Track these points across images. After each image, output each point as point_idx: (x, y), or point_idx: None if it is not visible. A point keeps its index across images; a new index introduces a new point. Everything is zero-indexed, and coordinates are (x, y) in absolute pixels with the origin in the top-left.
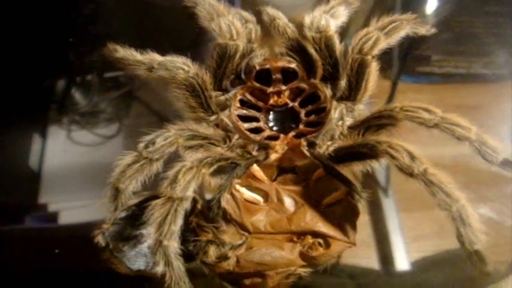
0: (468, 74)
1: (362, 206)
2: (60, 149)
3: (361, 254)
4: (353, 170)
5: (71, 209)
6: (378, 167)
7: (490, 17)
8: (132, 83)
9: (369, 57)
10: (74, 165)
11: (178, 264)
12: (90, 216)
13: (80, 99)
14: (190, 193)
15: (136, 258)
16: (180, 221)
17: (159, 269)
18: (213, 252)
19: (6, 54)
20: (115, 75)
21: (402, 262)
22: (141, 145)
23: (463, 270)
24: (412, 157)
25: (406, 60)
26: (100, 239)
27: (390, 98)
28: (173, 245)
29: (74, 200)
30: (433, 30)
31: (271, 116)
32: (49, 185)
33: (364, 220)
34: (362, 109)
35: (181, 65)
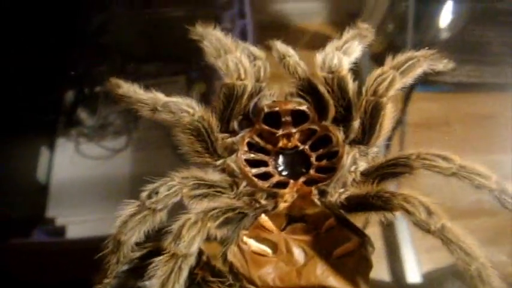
0: (480, 83)
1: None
2: (68, 162)
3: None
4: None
5: (79, 223)
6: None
7: (503, 26)
8: None
9: (384, 99)
10: (82, 179)
11: None
12: (99, 231)
13: (88, 111)
14: (195, 249)
15: None
16: (184, 278)
17: None
18: None
19: (13, 66)
20: None
21: (414, 274)
22: (144, 194)
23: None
24: (429, 212)
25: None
26: None
27: (403, 108)
28: None
29: (82, 214)
30: (451, 66)
31: (280, 160)
32: (57, 199)
33: (374, 231)
34: (376, 152)
35: (186, 108)
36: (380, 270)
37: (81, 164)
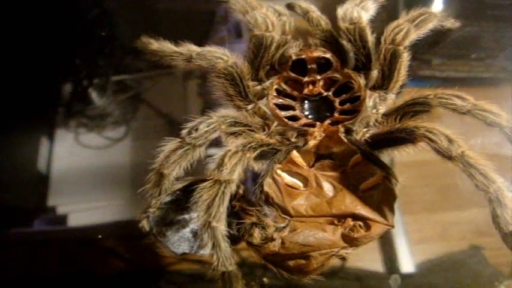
0: (469, 77)
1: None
2: (68, 152)
3: (366, 257)
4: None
5: (80, 212)
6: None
7: (490, 21)
8: (139, 86)
9: (401, 47)
10: (81, 168)
11: (225, 245)
12: (99, 219)
13: (87, 102)
14: (236, 176)
15: (180, 243)
16: (226, 203)
17: (207, 250)
18: (257, 234)
19: (13, 57)
20: (122, 78)
21: (407, 264)
22: (185, 131)
23: (467, 272)
24: (450, 140)
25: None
26: (145, 224)
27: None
28: (221, 227)
29: (82, 203)
30: (458, 24)
31: (306, 105)
32: (57, 188)
33: None
34: (393, 98)
35: (220, 55)
36: (374, 261)
37: (81, 154)
